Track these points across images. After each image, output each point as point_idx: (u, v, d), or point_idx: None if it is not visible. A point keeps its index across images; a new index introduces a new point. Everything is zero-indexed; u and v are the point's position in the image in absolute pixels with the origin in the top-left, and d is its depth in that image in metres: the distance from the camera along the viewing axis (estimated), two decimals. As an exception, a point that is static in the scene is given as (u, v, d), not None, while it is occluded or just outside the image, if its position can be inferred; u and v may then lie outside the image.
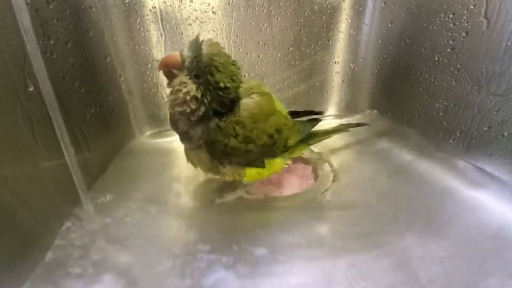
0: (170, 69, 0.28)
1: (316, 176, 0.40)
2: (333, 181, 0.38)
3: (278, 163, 0.34)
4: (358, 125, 0.44)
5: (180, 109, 0.29)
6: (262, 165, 0.33)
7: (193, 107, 0.28)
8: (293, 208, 0.34)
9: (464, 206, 0.33)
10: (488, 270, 0.25)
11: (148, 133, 0.53)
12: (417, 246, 0.28)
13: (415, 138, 0.45)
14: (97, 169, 0.41)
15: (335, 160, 0.43)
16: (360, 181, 0.39)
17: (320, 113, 0.41)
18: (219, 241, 0.30)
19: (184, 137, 0.31)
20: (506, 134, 0.35)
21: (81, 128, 0.38)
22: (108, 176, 0.40)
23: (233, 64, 0.29)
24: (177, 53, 0.28)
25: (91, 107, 0.41)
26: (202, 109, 0.28)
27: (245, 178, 0.33)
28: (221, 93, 0.28)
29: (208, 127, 0.30)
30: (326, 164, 0.42)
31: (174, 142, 0.51)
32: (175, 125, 0.31)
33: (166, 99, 0.30)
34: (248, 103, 0.31)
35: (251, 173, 0.33)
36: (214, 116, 0.30)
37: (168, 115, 0.54)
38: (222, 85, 0.28)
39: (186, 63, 0.27)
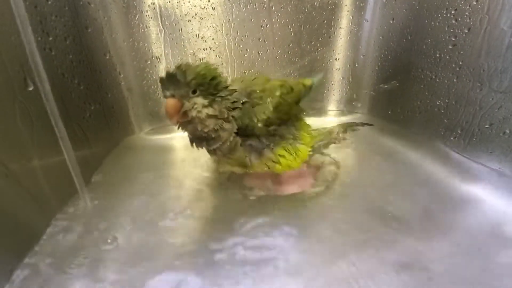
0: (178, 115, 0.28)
1: (317, 174, 0.40)
2: (334, 178, 0.38)
3: (303, 150, 0.35)
4: (363, 124, 0.45)
5: (207, 131, 0.29)
6: (302, 111, 0.36)
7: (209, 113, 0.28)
8: (294, 207, 0.34)
9: (465, 203, 0.33)
10: (489, 267, 0.25)
11: (147, 129, 0.53)
12: (419, 244, 0.28)
13: (416, 135, 0.45)
14: (96, 165, 0.41)
15: (336, 157, 0.43)
16: (361, 178, 0.39)
17: None
18: (219, 236, 0.30)
19: (220, 148, 0.31)
20: (507, 131, 0.35)
21: (80, 125, 0.38)
22: (107, 172, 0.40)
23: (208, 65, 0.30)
24: (170, 101, 0.27)
25: (90, 104, 0.41)
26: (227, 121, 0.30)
27: (278, 167, 0.34)
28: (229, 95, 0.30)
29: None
30: (327, 161, 0.42)
31: (174, 138, 0.51)
32: (207, 144, 0.31)
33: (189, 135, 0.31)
34: (240, 86, 0.32)
35: (282, 162, 0.33)
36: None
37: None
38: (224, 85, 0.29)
39: (180, 95, 0.27)
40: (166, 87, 0.28)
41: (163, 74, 0.28)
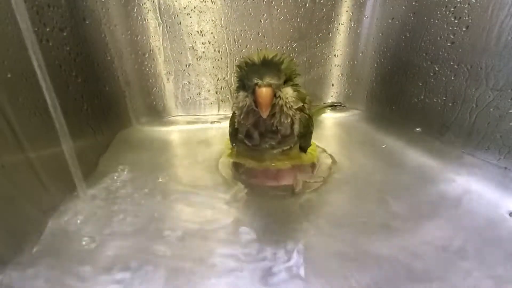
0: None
1: (314, 168, 0.40)
2: (330, 174, 0.39)
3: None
4: (332, 104, 0.45)
5: (286, 122, 0.29)
6: None
7: (296, 106, 0.28)
8: (290, 198, 0.35)
9: (461, 198, 0.33)
10: (484, 259, 0.26)
11: (145, 122, 0.53)
12: (413, 236, 0.28)
13: (413, 132, 0.46)
14: (94, 158, 0.41)
15: (333, 153, 0.43)
16: (358, 173, 0.39)
17: None
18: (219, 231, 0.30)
19: (281, 141, 0.31)
20: (503, 129, 0.35)
21: (78, 118, 0.38)
22: (105, 163, 0.40)
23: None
24: (267, 91, 0.26)
25: (88, 97, 0.41)
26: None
27: (310, 158, 0.37)
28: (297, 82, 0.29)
29: (300, 119, 0.30)
30: (323, 156, 0.42)
31: (171, 132, 0.51)
32: (273, 139, 0.30)
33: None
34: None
35: (314, 154, 0.37)
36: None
37: (165, 106, 0.54)
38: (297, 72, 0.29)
39: (276, 85, 0.26)
40: (260, 75, 0.26)
41: (253, 59, 0.26)
